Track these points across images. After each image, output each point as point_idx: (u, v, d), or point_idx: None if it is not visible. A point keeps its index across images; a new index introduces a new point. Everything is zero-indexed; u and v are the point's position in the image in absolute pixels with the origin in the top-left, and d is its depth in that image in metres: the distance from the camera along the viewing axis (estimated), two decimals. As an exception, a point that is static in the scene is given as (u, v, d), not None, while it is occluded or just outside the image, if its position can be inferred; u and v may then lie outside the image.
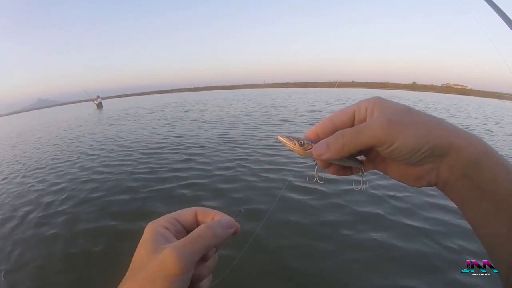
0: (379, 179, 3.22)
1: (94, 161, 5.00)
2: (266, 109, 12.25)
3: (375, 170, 0.32)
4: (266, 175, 3.63)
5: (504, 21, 1.54)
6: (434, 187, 0.28)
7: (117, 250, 2.17)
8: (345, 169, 0.32)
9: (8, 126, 19.33)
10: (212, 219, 0.31)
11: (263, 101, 17.86)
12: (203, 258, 0.28)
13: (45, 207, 3.16)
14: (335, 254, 2.05)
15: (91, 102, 24.76)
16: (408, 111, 0.26)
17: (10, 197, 3.65)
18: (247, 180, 3.48)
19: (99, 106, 23.51)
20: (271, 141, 5.58)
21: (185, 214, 0.31)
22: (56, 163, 5.13)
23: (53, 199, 3.36)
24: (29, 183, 4.16)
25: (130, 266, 0.26)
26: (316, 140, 0.30)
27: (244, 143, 5.52)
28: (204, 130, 7.40)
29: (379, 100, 0.28)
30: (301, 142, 0.29)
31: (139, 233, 0.28)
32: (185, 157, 4.74)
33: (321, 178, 0.34)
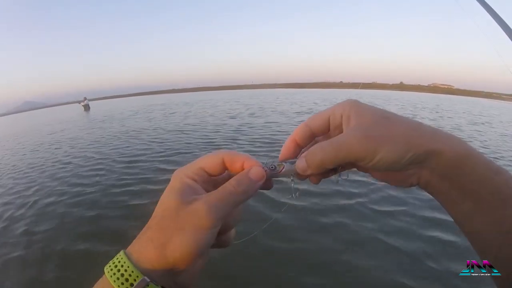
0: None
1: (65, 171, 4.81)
2: (253, 111, 12.18)
3: (355, 169, 0.31)
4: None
5: (496, 21, 1.52)
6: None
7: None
8: (328, 172, 0.31)
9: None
10: (241, 166, 0.28)
11: (251, 101, 17.79)
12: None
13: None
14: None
15: (77, 104, 24.20)
16: (385, 121, 0.26)
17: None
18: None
19: (86, 108, 23.03)
20: (256, 146, 5.54)
21: (212, 161, 0.29)
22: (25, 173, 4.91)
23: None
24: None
25: (153, 215, 0.26)
26: (295, 149, 0.30)
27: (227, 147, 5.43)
28: (186, 134, 7.28)
29: (355, 105, 0.28)
30: (272, 167, 0.29)
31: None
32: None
33: (295, 191, 0.32)
